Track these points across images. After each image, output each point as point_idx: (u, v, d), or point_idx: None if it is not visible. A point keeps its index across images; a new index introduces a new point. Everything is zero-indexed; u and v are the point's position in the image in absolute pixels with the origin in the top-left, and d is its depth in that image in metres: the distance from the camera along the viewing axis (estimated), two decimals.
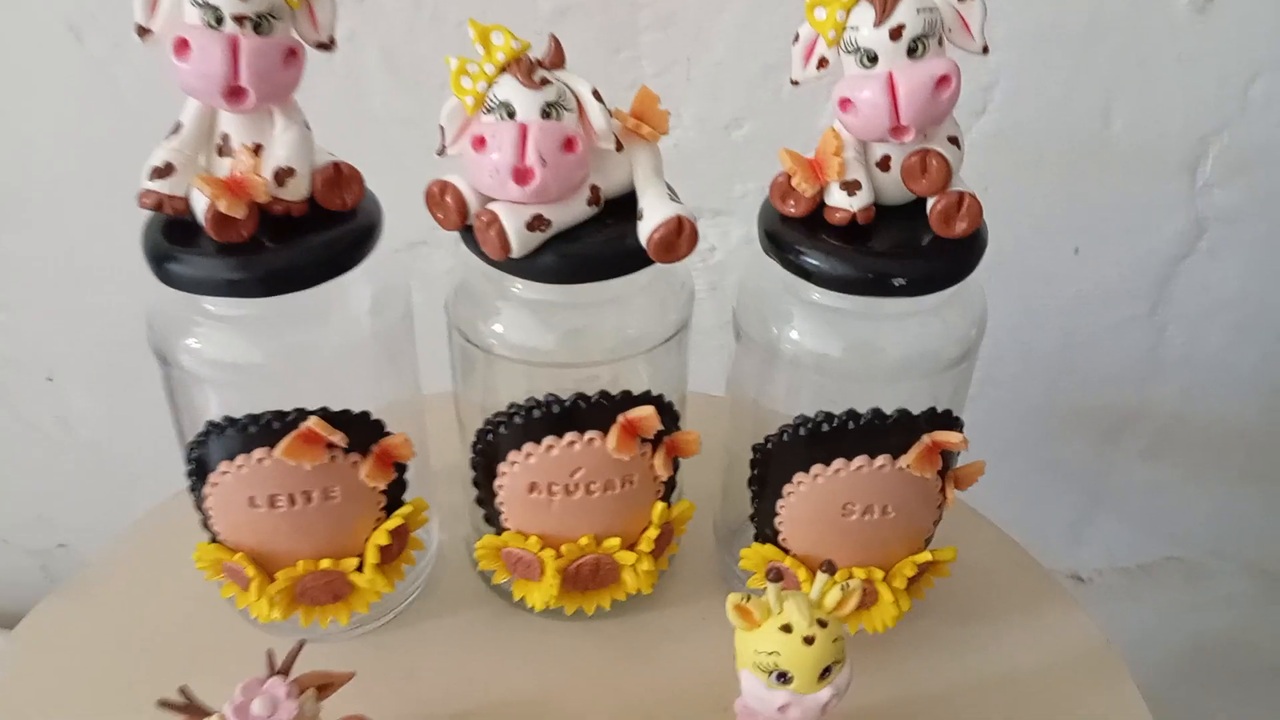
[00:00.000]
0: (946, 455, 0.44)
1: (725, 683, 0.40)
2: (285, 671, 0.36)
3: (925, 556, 0.46)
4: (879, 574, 0.45)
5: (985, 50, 0.40)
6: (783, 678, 0.37)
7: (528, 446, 0.43)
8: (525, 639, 0.49)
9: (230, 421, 0.41)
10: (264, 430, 0.41)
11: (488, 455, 0.45)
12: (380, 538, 0.45)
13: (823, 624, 0.37)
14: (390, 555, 0.46)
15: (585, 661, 0.49)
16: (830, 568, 0.38)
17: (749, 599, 0.37)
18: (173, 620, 0.50)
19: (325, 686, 0.38)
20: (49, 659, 0.48)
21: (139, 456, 0.88)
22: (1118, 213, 0.78)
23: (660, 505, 0.46)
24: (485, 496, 0.46)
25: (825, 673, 0.37)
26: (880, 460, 0.43)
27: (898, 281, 0.40)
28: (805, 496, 0.44)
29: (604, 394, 0.42)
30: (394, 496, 0.46)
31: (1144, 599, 1.03)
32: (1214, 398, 0.89)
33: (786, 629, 0.37)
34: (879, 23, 0.38)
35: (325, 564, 0.44)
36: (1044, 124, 0.74)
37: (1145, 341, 0.85)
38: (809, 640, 0.36)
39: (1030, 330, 0.85)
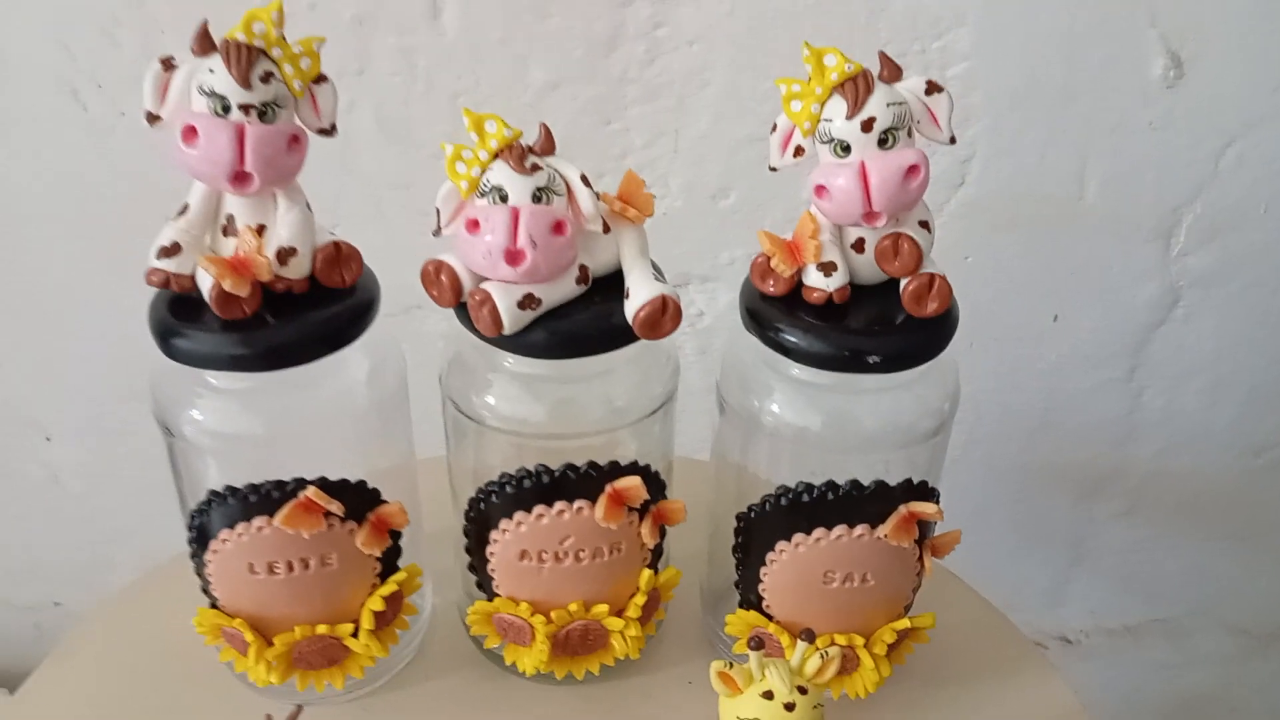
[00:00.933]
0: (924, 524, 0.46)
1: None
2: None
3: (904, 624, 0.47)
4: (860, 640, 0.47)
5: (953, 141, 0.43)
6: None
7: (518, 515, 0.45)
8: (516, 702, 0.51)
9: (231, 491, 0.42)
10: (264, 500, 0.42)
11: (479, 523, 0.46)
12: (375, 604, 0.46)
13: (803, 690, 0.38)
14: (385, 620, 0.47)
15: None
16: (810, 636, 0.39)
17: (732, 666, 0.39)
18: (170, 684, 0.50)
19: None
20: None
21: (129, 510, 0.89)
22: (1094, 278, 0.80)
23: (647, 572, 0.48)
24: (477, 563, 0.48)
25: None
26: (859, 530, 0.44)
27: (873, 359, 0.42)
28: (787, 564, 0.46)
29: (592, 464, 0.44)
30: (389, 563, 0.47)
31: (1128, 659, 1.04)
32: (1190, 457, 0.91)
33: (768, 695, 0.38)
34: (851, 115, 0.41)
35: (322, 629, 0.45)
36: (1020, 191, 0.76)
37: (1123, 403, 0.87)
38: (789, 707, 0.38)
39: (1010, 392, 0.87)
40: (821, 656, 0.39)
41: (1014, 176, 0.75)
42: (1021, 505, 0.95)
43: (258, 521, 0.43)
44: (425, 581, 0.53)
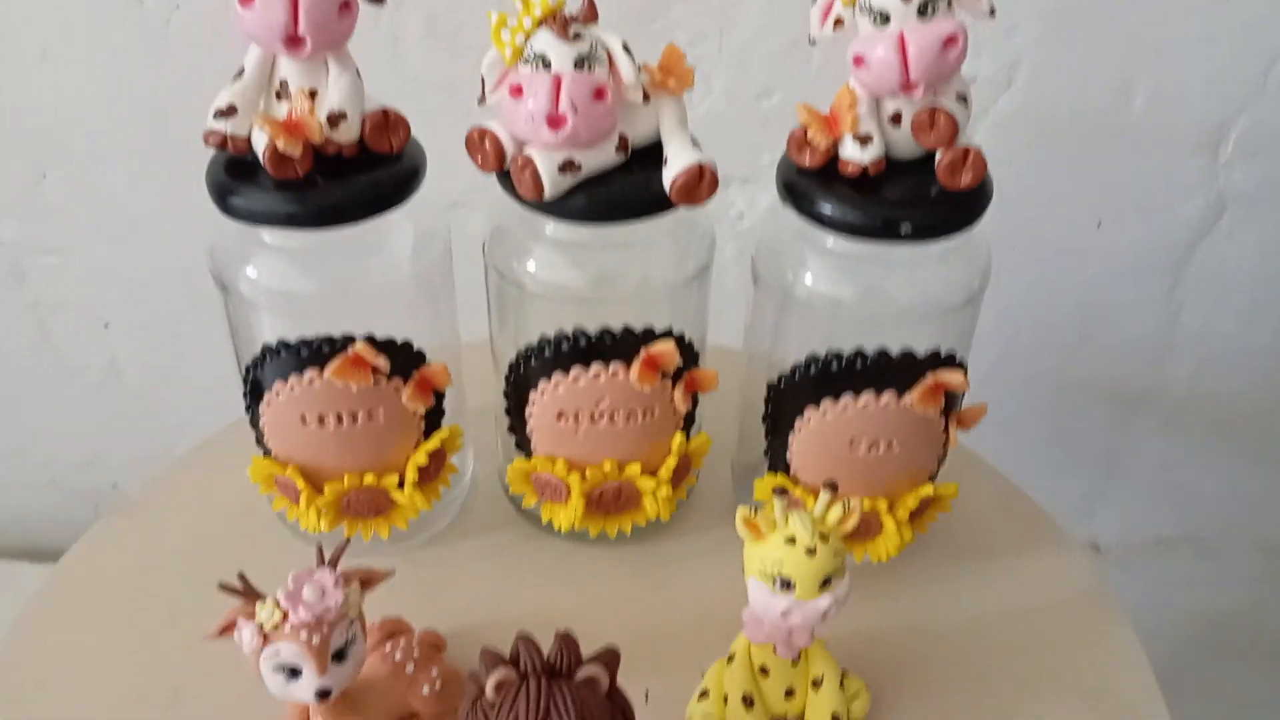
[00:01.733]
0: (950, 397, 0.47)
1: (734, 606, 0.43)
2: (333, 564, 0.40)
3: (928, 490, 0.49)
4: (883, 505, 0.48)
5: (992, 12, 0.43)
6: (786, 586, 0.40)
7: (556, 376, 0.46)
8: (551, 560, 0.53)
9: (284, 345, 0.45)
10: (315, 354, 0.44)
11: (520, 385, 0.48)
12: (419, 458, 0.48)
13: (824, 538, 0.40)
14: (428, 476, 0.49)
15: (605, 582, 0.52)
16: (833, 486, 0.41)
17: (757, 513, 0.40)
18: (221, 540, 0.53)
19: (368, 581, 0.41)
20: (103, 576, 0.52)
21: (185, 402, 0.93)
22: (1138, 190, 0.80)
23: (679, 436, 0.49)
24: (517, 424, 0.50)
25: (826, 583, 0.40)
26: (886, 397, 0.46)
27: (905, 228, 0.43)
28: (815, 431, 0.47)
29: (628, 329, 0.46)
30: (432, 422, 0.49)
31: (1157, 573, 1.04)
32: (1227, 377, 0.90)
33: (791, 541, 0.40)
34: None
35: (369, 480, 0.48)
36: (1066, 100, 0.76)
37: (1161, 319, 0.87)
38: (811, 552, 0.40)
39: (1047, 306, 0.87)
40: (844, 506, 0.41)
41: (1060, 86, 0.75)
42: (1057, 420, 0.95)
43: (309, 374, 0.45)
44: (467, 449, 0.55)
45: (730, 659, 0.45)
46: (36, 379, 0.94)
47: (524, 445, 0.50)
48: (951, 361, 0.46)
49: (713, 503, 0.56)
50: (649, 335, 0.46)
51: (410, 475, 0.48)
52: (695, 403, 0.50)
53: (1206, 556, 1.03)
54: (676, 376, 0.48)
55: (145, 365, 0.93)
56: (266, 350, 0.45)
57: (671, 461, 0.49)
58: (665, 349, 0.45)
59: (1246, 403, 0.92)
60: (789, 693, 0.44)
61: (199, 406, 0.91)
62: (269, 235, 0.44)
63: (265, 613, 0.38)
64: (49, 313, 0.90)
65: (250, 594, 0.39)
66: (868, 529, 0.49)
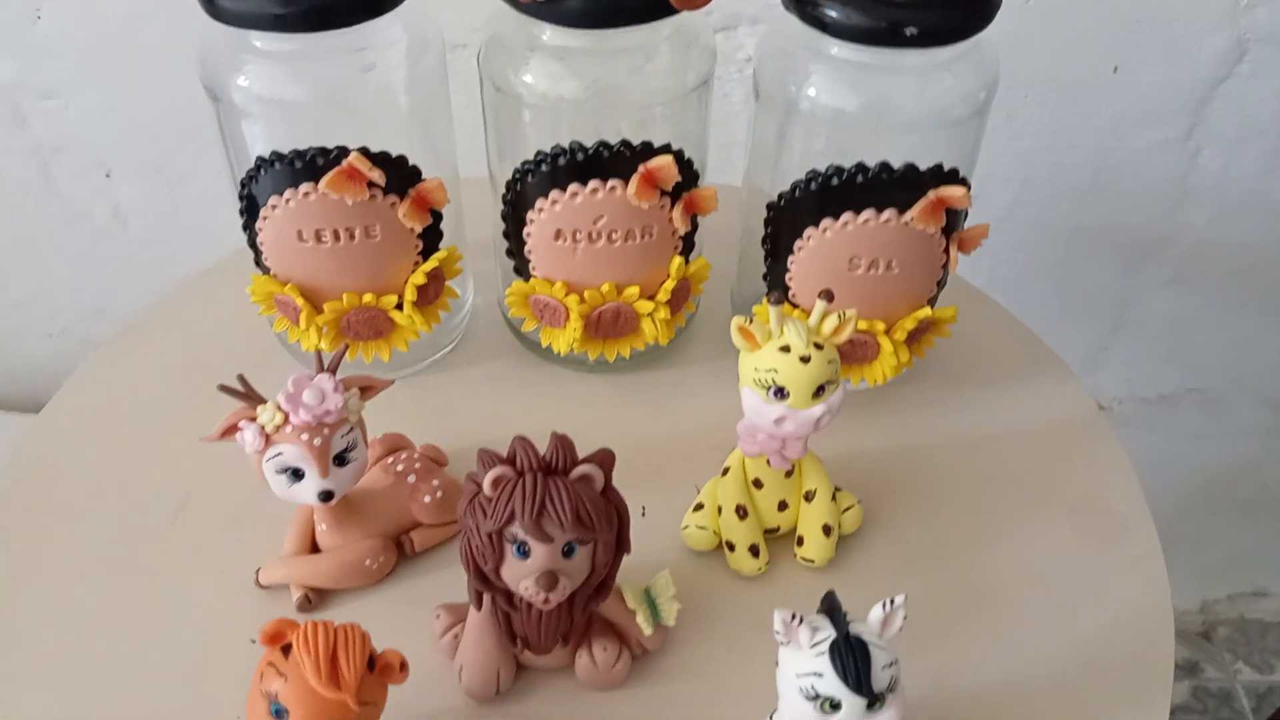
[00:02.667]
0: (952, 217, 0.47)
1: (730, 430, 0.44)
2: (332, 370, 0.40)
3: (926, 313, 0.49)
4: (881, 327, 0.48)
5: None
6: (780, 393, 0.40)
7: (554, 194, 0.46)
8: (551, 386, 0.53)
9: (278, 156, 0.44)
10: (309, 165, 0.44)
11: (517, 205, 0.48)
12: (418, 278, 0.48)
13: (819, 346, 0.40)
14: (427, 298, 0.49)
15: (604, 406, 0.53)
16: (829, 295, 0.41)
17: (752, 321, 0.40)
18: (223, 362, 0.53)
19: (368, 389, 0.42)
20: (110, 393, 0.53)
21: (191, 250, 0.92)
22: (1159, 29, 0.77)
23: (678, 260, 0.49)
24: (515, 246, 0.49)
25: (819, 391, 0.40)
26: (886, 214, 0.45)
27: (910, 31, 0.41)
28: (814, 251, 0.47)
29: (625, 143, 0.45)
30: (430, 245, 0.49)
31: (1162, 428, 1.05)
32: (1243, 226, 0.89)
33: (785, 349, 0.40)
34: None
35: (368, 299, 0.48)
36: None
37: (1178, 165, 0.85)
38: (805, 359, 0.40)
39: (1063, 150, 0.85)
40: (839, 316, 0.41)
41: None
42: (1068, 270, 0.94)
43: (304, 187, 0.44)
44: (466, 277, 0.55)
45: (725, 473, 0.45)
46: (42, 227, 0.94)
47: (523, 269, 0.50)
48: (954, 177, 0.45)
49: (713, 334, 0.56)
50: (647, 150, 0.45)
51: (409, 295, 0.48)
52: (695, 226, 0.50)
53: (1211, 411, 1.03)
54: (675, 196, 0.47)
55: (149, 213, 0.93)
56: (260, 162, 0.44)
57: (670, 284, 0.49)
58: (664, 163, 0.45)
59: (1261, 252, 0.91)
60: (782, 505, 0.45)
61: (204, 255, 0.91)
62: (259, 40, 0.43)
63: (266, 415, 0.39)
64: (51, 158, 0.89)
65: (251, 396, 0.40)
66: (865, 352, 0.49)
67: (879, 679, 0.32)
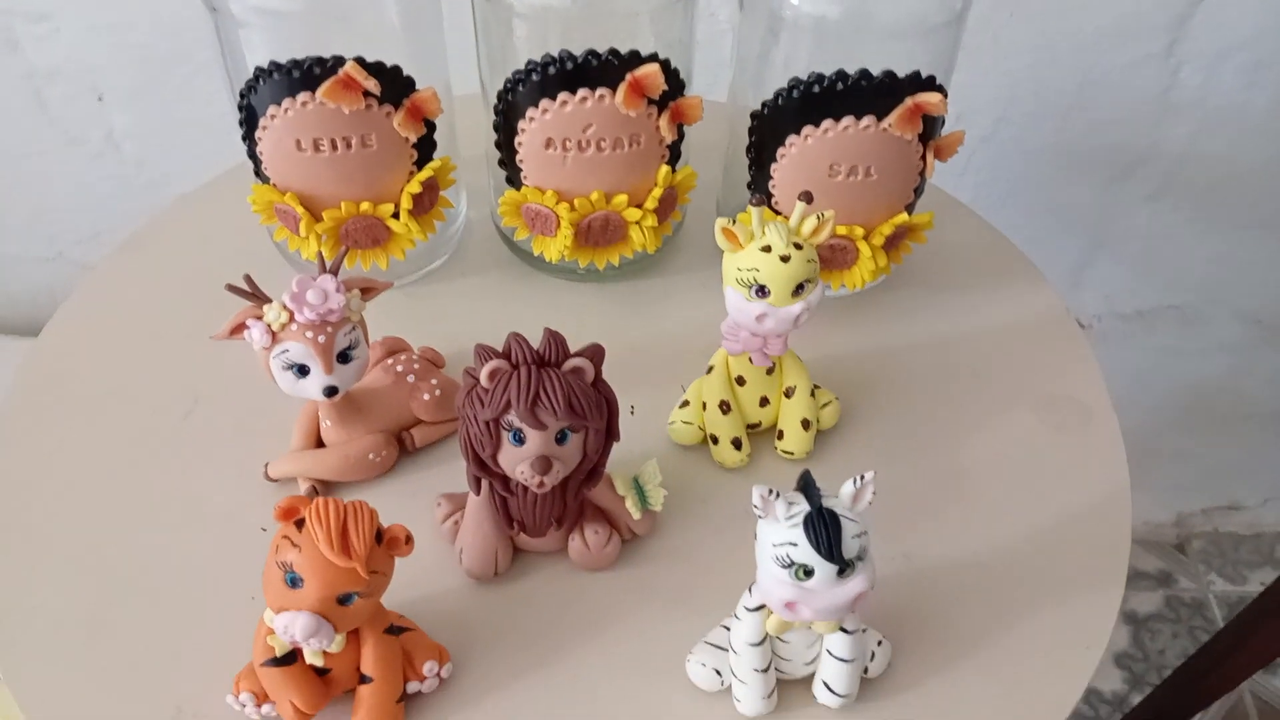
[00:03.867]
0: (929, 123, 0.48)
1: (713, 333, 0.46)
2: (334, 271, 0.42)
3: (903, 219, 0.50)
4: (860, 232, 0.50)
5: None
6: (761, 292, 0.42)
7: (544, 103, 0.47)
8: (543, 295, 0.55)
9: (276, 66, 0.45)
10: (306, 75, 0.45)
11: (509, 115, 0.49)
12: (413, 187, 0.50)
13: (798, 246, 0.42)
14: (423, 207, 0.51)
15: (595, 314, 0.55)
16: (808, 197, 0.42)
17: (734, 222, 0.42)
18: (225, 273, 0.55)
19: (368, 290, 0.43)
20: (118, 301, 0.55)
21: (185, 174, 0.93)
22: None
23: (665, 168, 0.51)
24: (507, 157, 0.51)
25: (799, 289, 0.42)
26: (865, 121, 0.47)
27: None
28: (796, 158, 0.49)
29: (613, 52, 0.46)
30: (424, 154, 0.50)
31: (1139, 344, 1.07)
32: (1223, 141, 0.90)
33: (766, 249, 0.42)
34: None
35: (365, 208, 0.50)
36: None
37: (1159, 81, 0.86)
38: (785, 259, 0.42)
39: (1046, 66, 0.86)
40: (818, 217, 0.42)
41: None
42: (1051, 188, 0.95)
43: (302, 97, 0.46)
44: (460, 190, 0.57)
45: (709, 371, 0.48)
46: (38, 152, 0.94)
47: (514, 179, 0.52)
48: (931, 84, 0.46)
49: (699, 245, 0.58)
50: (634, 59, 0.47)
51: (405, 204, 0.50)
52: (681, 135, 0.51)
53: (1189, 326, 1.06)
54: (662, 105, 0.49)
55: (142, 136, 0.93)
56: (259, 72, 0.46)
57: (657, 192, 0.51)
58: (650, 71, 0.46)
59: (1240, 166, 0.92)
60: (763, 401, 0.47)
61: (199, 177, 0.92)
62: None
63: (272, 313, 0.41)
64: (45, 83, 0.90)
65: (258, 296, 0.42)
66: (844, 257, 0.51)
67: (849, 547, 0.34)
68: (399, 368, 0.48)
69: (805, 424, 0.47)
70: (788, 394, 0.47)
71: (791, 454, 0.47)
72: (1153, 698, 0.93)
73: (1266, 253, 1.00)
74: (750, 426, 0.48)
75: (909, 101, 0.46)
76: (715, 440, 0.47)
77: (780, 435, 0.48)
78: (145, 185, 0.98)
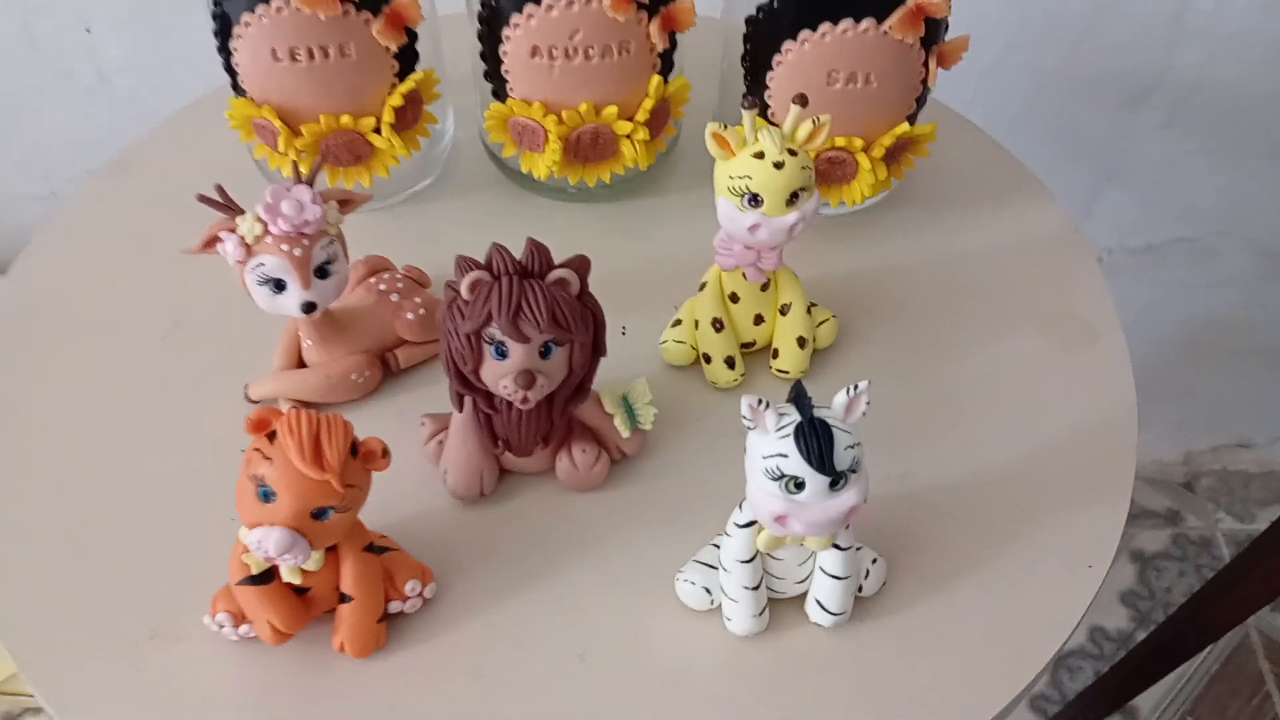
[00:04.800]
0: (931, 27, 0.46)
1: (707, 254, 0.45)
2: (310, 182, 0.40)
3: (903, 128, 0.49)
4: (859, 143, 0.48)
5: None
6: (754, 200, 0.41)
7: (529, 7, 0.46)
8: (533, 216, 0.54)
9: None
10: None
11: (493, 22, 0.47)
12: (395, 100, 0.48)
13: (793, 153, 0.40)
14: (405, 121, 0.49)
15: (586, 234, 0.53)
16: (803, 100, 0.41)
17: (726, 128, 0.40)
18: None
19: (346, 202, 0.42)
20: (99, 221, 0.54)
21: (175, 108, 0.92)
22: None
23: (656, 79, 0.49)
24: (492, 68, 0.49)
25: (793, 199, 0.41)
26: (865, 24, 0.45)
27: None
28: (793, 65, 0.47)
29: None
30: (406, 66, 0.49)
31: (1149, 278, 1.05)
32: (1236, 69, 0.88)
33: (759, 155, 0.40)
34: None
35: (345, 121, 0.48)
36: None
37: (1171, 6, 0.84)
38: (779, 165, 0.40)
39: None
40: (813, 122, 0.41)
41: None
42: (1061, 116, 0.93)
43: (276, 2, 0.44)
44: (446, 107, 0.55)
45: (702, 288, 0.46)
46: (30, 88, 0.93)
47: (500, 91, 0.50)
48: None
49: (694, 164, 0.56)
50: None
51: (387, 117, 0.48)
52: (673, 44, 0.49)
53: (1199, 260, 1.04)
54: (653, 11, 0.47)
55: (134, 70, 0.91)
56: None
57: (648, 104, 0.49)
58: None
59: (1252, 95, 0.90)
60: (758, 319, 0.46)
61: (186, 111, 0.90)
62: None
63: (246, 225, 0.40)
64: (34, 17, 0.88)
65: (230, 207, 0.40)
66: (843, 170, 0.49)
67: (841, 458, 0.33)
68: (382, 286, 0.46)
69: (801, 342, 0.46)
70: (783, 311, 0.46)
71: (786, 373, 0.46)
72: (1157, 633, 0.93)
73: (1276, 183, 0.98)
74: (744, 345, 0.46)
75: (910, 2, 0.44)
76: (708, 359, 0.46)
77: (775, 354, 0.46)
78: (138, 120, 0.95)
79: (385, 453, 0.35)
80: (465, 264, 0.37)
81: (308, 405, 0.45)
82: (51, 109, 0.95)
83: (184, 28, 0.86)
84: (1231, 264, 1.04)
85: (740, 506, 0.37)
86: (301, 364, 0.45)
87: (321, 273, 0.41)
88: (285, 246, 0.40)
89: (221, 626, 0.37)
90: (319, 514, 0.33)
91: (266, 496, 0.33)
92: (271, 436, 0.33)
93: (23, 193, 1.04)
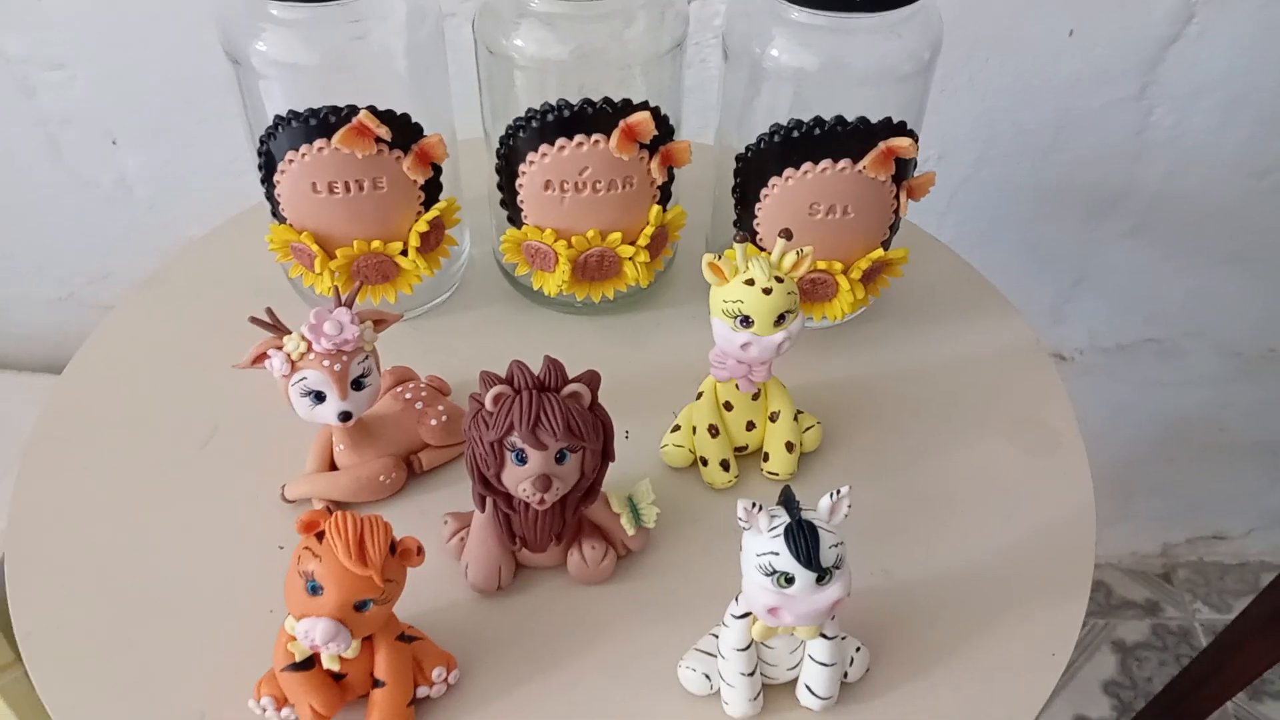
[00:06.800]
0: (901, 165, 0.52)
1: (702, 363, 0.49)
2: (349, 304, 0.45)
3: (879, 254, 0.54)
4: (839, 266, 0.54)
5: None
6: (745, 322, 0.45)
7: (543, 148, 0.51)
8: (541, 327, 0.59)
9: (294, 115, 0.49)
10: (322, 123, 0.49)
11: (510, 159, 0.53)
12: (421, 226, 0.53)
13: (779, 280, 0.45)
14: (429, 245, 0.54)
15: (591, 344, 0.58)
16: (788, 234, 0.46)
17: (720, 258, 0.46)
18: (242, 308, 0.58)
19: (380, 321, 0.47)
20: (139, 335, 0.58)
21: (194, 217, 0.97)
22: None
23: (656, 208, 0.54)
24: (508, 198, 0.54)
25: (780, 320, 0.46)
26: (842, 163, 0.50)
27: None
28: (778, 198, 0.52)
29: (608, 101, 0.50)
30: (431, 196, 0.54)
31: (1121, 376, 1.10)
32: (1196, 179, 0.94)
33: (749, 282, 0.45)
34: None
35: (376, 246, 0.53)
36: None
37: (1133, 123, 0.90)
38: (767, 291, 0.45)
39: (1024, 109, 0.90)
40: (797, 253, 0.46)
41: None
42: (1031, 226, 0.99)
43: (318, 143, 0.49)
44: (464, 229, 0.60)
45: (699, 397, 0.51)
46: (50, 195, 0.98)
47: (515, 218, 0.55)
48: (902, 129, 0.50)
49: (689, 280, 0.61)
50: (627, 107, 0.50)
51: (413, 242, 0.53)
52: (671, 177, 0.55)
53: (1168, 359, 1.09)
54: (653, 149, 0.52)
55: (153, 179, 0.96)
56: (278, 120, 0.49)
57: (649, 230, 0.54)
58: (642, 119, 0.50)
59: (1214, 204, 0.96)
60: (750, 425, 0.50)
61: (207, 219, 0.96)
62: (275, 8, 0.48)
63: (292, 343, 0.44)
64: (58, 129, 0.93)
65: (278, 327, 0.45)
66: (825, 290, 0.54)
67: (826, 556, 0.37)
68: (408, 395, 0.51)
69: (789, 446, 0.50)
70: (772, 418, 0.50)
71: (776, 475, 0.50)
72: None
73: (1241, 287, 1.03)
74: (738, 449, 0.51)
75: (882, 145, 0.50)
76: (705, 462, 0.50)
77: (766, 457, 0.51)
78: (155, 227, 1.01)
79: (420, 550, 0.39)
80: (489, 379, 0.42)
81: (340, 505, 0.49)
82: (72, 215, 1.00)
83: (203, 142, 0.92)
84: (1200, 364, 1.08)
85: (736, 599, 0.41)
86: (333, 466, 0.50)
87: (357, 385, 0.45)
88: (326, 362, 0.44)
89: (265, 710, 0.40)
90: (360, 606, 0.37)
91: (314, 590, 0.37)
92: (320, 536, 0.37)
93: (42, 295, 1.08)
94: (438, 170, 0.53)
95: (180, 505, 0.49)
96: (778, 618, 0.38)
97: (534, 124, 0.51)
